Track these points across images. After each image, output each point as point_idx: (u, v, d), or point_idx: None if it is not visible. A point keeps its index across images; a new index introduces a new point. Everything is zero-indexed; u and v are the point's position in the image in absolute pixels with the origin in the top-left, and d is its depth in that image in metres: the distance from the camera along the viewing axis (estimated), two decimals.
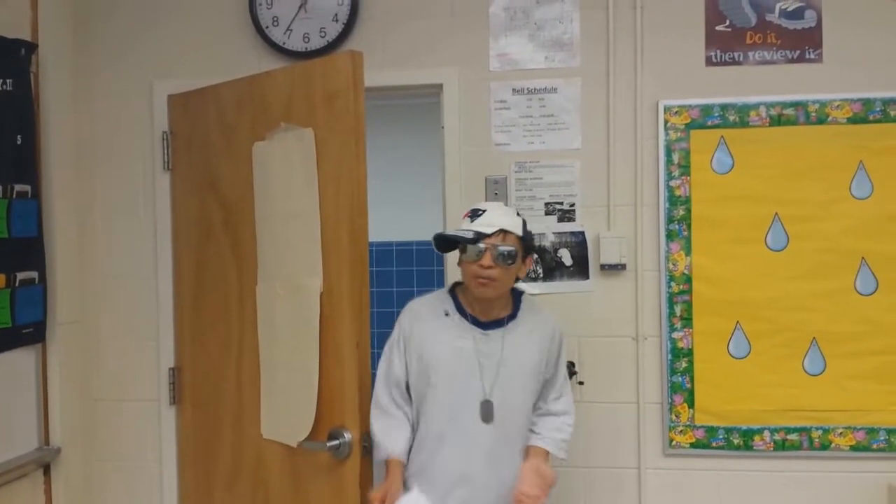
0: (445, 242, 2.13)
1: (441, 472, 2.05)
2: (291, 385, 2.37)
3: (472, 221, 2.06)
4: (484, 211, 2.08)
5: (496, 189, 2.68)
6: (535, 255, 2.58)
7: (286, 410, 2.39)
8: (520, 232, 2.07)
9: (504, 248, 2.01)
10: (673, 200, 2.61)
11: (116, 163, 2.84)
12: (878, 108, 2.53)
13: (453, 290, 2.19)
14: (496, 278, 2.02)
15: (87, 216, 2.79)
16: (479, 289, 2.05)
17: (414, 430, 2.12)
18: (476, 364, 2.06)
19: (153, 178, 2.81)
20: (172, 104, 2.77)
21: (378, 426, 2.12)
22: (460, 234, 2.05)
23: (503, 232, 2.03)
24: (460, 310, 2.13)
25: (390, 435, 2.09)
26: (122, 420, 2.83)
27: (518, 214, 2.13)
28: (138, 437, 2.83)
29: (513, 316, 2.14)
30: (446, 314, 2.13)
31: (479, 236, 2.02)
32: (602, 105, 2.66)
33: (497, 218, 2.06)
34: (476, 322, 2.11)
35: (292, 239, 2.38)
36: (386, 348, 2.18)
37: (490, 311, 2.11)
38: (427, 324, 2.13)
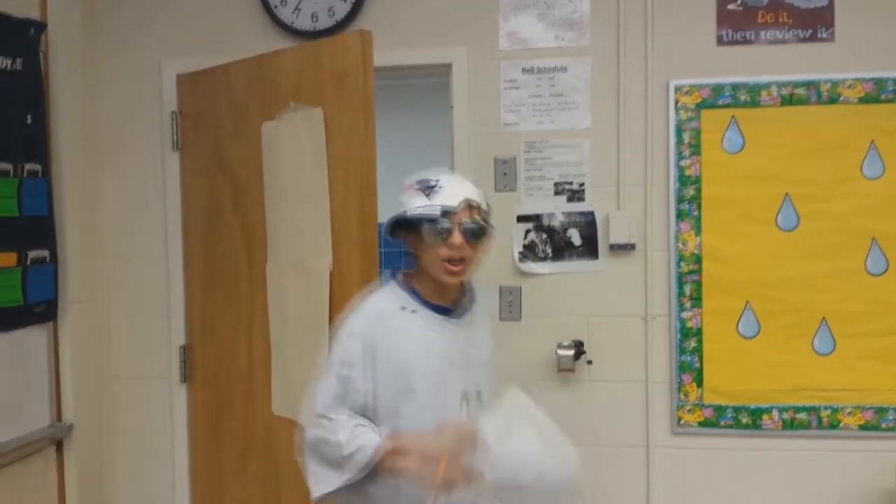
0: (401, 226, 1.80)
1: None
2: (302, 363, 2.37)
3: (428, 196, 1.75)
4: (437, 181, 1.77)
5: (505, 169, 2.68)
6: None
7: (297, 388, 2.40)
8: (484, 203, 1.81)
9: (474, 223, 1.74)
10: (683, 180, 2.60)
11: (126, 142, 2.84)
12: (889, 88, 2.52)
13: (403, 282, 1.86)
14: (467, 258, 1.75)
15: (97, 195, 2.81)
16: (447, 276, 1.75)
17: None
18: (453, 357, 1.79)
19: (162, 158, 2.82)
20: (181, 84, 2.77)
21: (343, 435, 1.68)
22: (425, 212, 1.73)
23: (469, 204, 1.75)
24: (422, 302, 1.81)
25: (359, 431, 1.69)
26: (133, 397, 2.86)
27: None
28: (150, 415, 2.85)
29: (471, 299, 1.89)
30: (411, 310, 1.80)
31: (446, 212, 1.72)
32: (612, 84, 2.65)
33: (459, 188, 1.77)
34: (442, 311, 1.82)
35: (302, 220, 2.38)
36: (332, 368, 1.76)
37: (449, 296, 1.83)
38: (391, 324, 1.78)
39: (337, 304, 2.24)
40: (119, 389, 2.86)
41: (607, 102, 2.65)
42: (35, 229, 2.46)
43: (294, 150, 2.39)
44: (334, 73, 2.28)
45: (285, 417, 2.44)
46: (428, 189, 1.76)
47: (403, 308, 1.79)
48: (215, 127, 2.67)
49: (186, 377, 2.82)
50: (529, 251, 2.68)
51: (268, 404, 2.53)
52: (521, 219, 2.69)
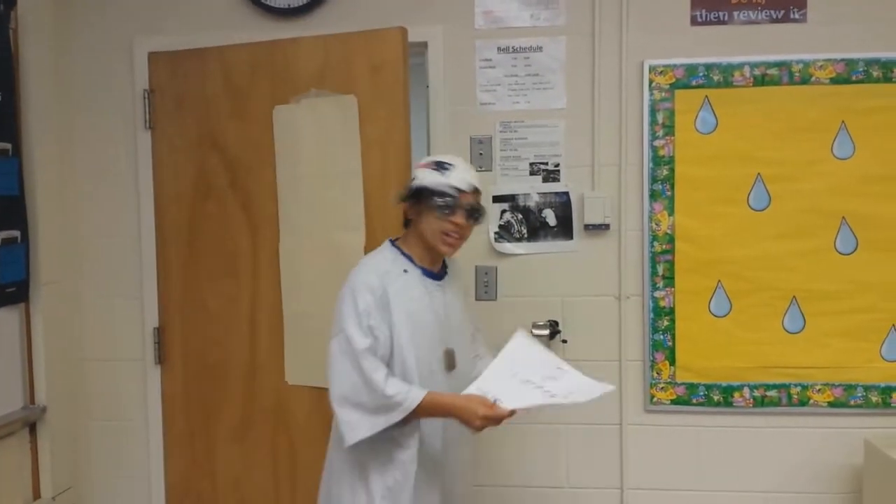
0: (410, 195, 2.02)
1: (428, 429, 1.99)
2: (326, 334, 2.40)
3: (442, 175, 1.98)
4: (452, 165, 2.01)
5: (481, 149, 2.69)
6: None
7: (317, 356, 2.40)
8: (481, 189, 2.08)
9: (476, 206, 2.01)
10: (657, 160, 2.62)
11: (98, 121, 2.80)
12: (860, 69, 2.54)
13: (398, 247, 2.08)
14: (465, 236, 2.03)
15: (68, 175, 2.77)
16: (446, 248, 2.01)
17: None
18: (435, 315, 2.02)
19: (135, 137, 2.78)
20: (154, 62, 2.74)
21: (392, 385, 1.89)
22: (442, 188, 1.97)
23: (475, 190, 2.01)
24: (414, 265, 2.05)
25: (403, 386, 1.91)
26: (107, 379, 2.84)
27: None
28: (124, 397, 2.84)
29: (447, 265, 2.15)
30: (405, 270, 2.03)
31: (456, 191, 1.97)
32: (587, 64, 2.65)
33: (470, 175, 2.02)
34: (430, 274, 2.07)
35: (329, 197, 2.56)
36: (347, 324, 1.94)
37: (437, 263, 2.09)
38: (397, 282, 2.00)
39: None
40: (92, 371, 2.84)
41: (582, 82, 2.66)
42: (6, 209, 2.42)
43: (318, 133, 2.56)
44: (371, 64, 2.50)
45: (302, 386, 2.59)
46: (443, 169, 1.99)
47: (405, 271, 2.02)
48: (205, 108, 2.69)
49: (161, 359, 2.80)
50: (505, 231, 2.69)
51: (278, 374, 2.64)
52: (497, 199, 2.70)
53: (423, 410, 1.90)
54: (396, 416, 1.88)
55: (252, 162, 2.66)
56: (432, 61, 2.69)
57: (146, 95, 2.74)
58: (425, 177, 2.00)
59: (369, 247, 2.44)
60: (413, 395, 1.88)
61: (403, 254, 2.06)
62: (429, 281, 2.06)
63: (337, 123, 2.53)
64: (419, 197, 2.00)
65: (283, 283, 2.64)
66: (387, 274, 1.99)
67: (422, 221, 2.01)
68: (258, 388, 2.70)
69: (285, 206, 2.62)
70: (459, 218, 1.98)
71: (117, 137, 2.80)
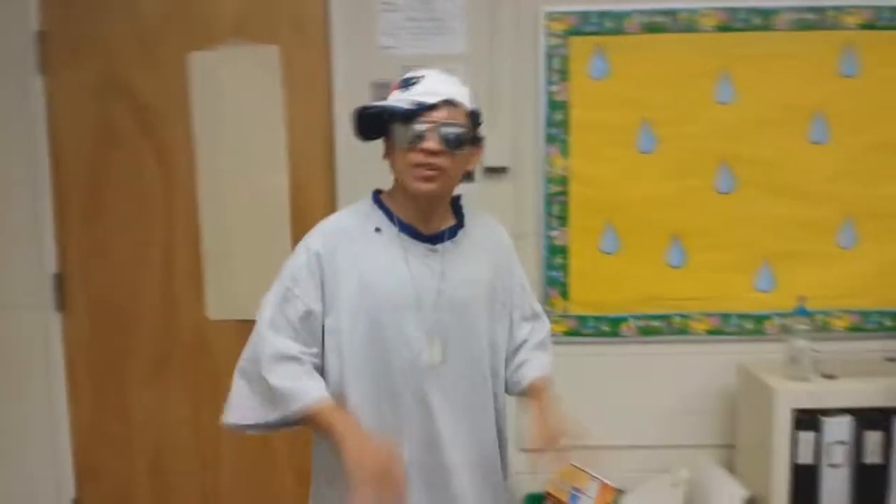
0: (370, 122, 1.55)
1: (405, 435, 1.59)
2: (253, 269, 2.67)
3: (405, 90, 1.53)
4: (421, 77, 1.54)
5: (382, 94, 2.72)
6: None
7: (243, 291, 2.73)
8: (469, 104, 1.57)
9: (452, 127, 1.51)
10: (553, 105, 2.72)
11: None
12: (742, 17, 2.67)
13: (378, 200, 1.67)
14: (443, 168, 1.52)
15: None
16: (419, 183, 1.53)
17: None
18: (423, 288, 1.58)
19: (25, 81, 2.71)
20: (48, 4, 2.67)
21: (281, 373, 1.53)
22: (393, 104, 1.51)
23: (450, 105, 1.51)
24: (394, 222, 1.61)
25: (302, 379, 1.54)
26: (4, 327, 2.83)
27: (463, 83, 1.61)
28: (24, 343, 2.83)
29: (460, 224, 1.67)
30: (377, 230, 1.60)
31: (420, 109, 1.49)
32: (485, 10, 2.71)
33: (440, 85, 1.53)
34: (417, 235, 1.61)
35: (251, 142, 2.70)
36: (277, 284, 1.61)
37: (432, 220, 1.62)
38: (356, 244, 1.59)
39: (298, 213, 2.73)
40: None
41: (481, 28, 2.71)
42: None
43: (239, 82, 2.69)
44: (292, 16, 2.66)
45: (225, 320, 2.76)
46: (408, 84, 1.53)
47: (377, 229, 1.60)
48: (108, 53, 2.70)
49: (62, 305, 2.82)
50: None
51: (198, 311, 2.78)
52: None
53: (312, 421, 1.53)
54: (281, 413, 1.54)
55: (165, 109, 2.71)
56: (334, 3, 2.71)
57: (40, 38, 2.68)
58: (388, 99, 1.56)
59: (294, 187, 2.70)
60: (303, 397, 1.50)
61: (383, 208, 1.63)
62: (413, 243, 1.60)
63: (258, 72, 2.65)
64: (384, 129, 1.56)
65: (203, 225, 2.74)
66: (342, 232, 1.60)
67: (394, 159, 1.57)
68: (175, 327, 2.80)
69: (204, 152, 2.71)
70: (431, 142, 1.49)
71: (5, 82, 2.72)
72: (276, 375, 1.53)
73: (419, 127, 1.49)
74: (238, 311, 2.75)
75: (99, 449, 2.85)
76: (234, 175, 2.74)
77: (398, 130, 1.52)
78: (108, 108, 2.73)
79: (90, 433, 2.85)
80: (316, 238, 1.61)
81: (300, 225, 2.73)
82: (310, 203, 2.76)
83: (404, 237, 1.60)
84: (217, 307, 2.80)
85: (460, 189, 1.73)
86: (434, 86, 1.52)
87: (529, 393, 1.74)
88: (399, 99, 1.52)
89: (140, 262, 2.79)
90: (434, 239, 1.62)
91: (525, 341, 1.82)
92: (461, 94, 1.55)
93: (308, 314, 1.57)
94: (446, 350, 1.60)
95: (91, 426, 2.85)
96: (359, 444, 1.44)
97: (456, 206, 1.71)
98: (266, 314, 1.59)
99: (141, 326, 2.80)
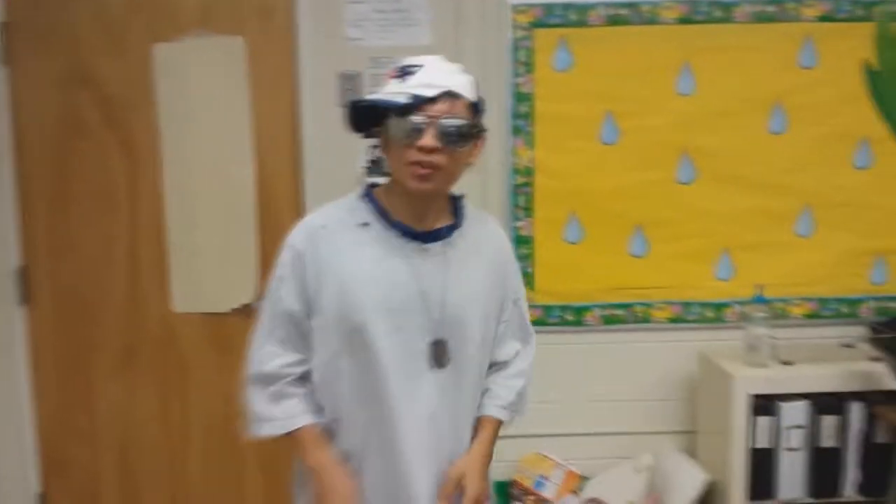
0: (364, 115, 1.46)
1: (396, 446, 1.50)
2: (221, 261, 2.74)
3: (402, 81, 1.42)
4: (420, 66, 1.43)
5: (349, 85, 2.74)
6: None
7: (209, 282, 2.76)
8: (472, 96, 1.47)
9: (453, 122, 1.40)
10: (518, 97, 2.75)
11: None
12: (703, 10, 2.72)
13: (369, 194, 1.57)
14: (441, 166, 1.43)
15: None
16: (415, 182, 1.43)
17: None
18: (416, 290, 1.48)
19: None
20: None
21: (257, 396, 1.54)
22: (388, 98, 1.40)
23: (450, 97, 1.41)
24: (385, 218, 1.51)
25: (279, 404, 1.52)
26: None
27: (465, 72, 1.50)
28: None
29: (456, 224, 1.58)
30: (365, 224, 1.51)
31: (417, 102, 1.39)
32: (451, 2, 2.72)
33: (440, 76, 1.42)
34: (409, 233, 1.51)
35: (217, 134, 2.70)
36: (270, 282, 1.56)
37: (426, 217, 1.52)
38: (340, 240, 1.49)
39: (265, 206, 2.75)
40: None
41: (447, 20, 2.73)
42: None
43: (204, 73, 2.69)
44: (259, 7, 2.68)
45: (191, 313, 2.78)
46: (405, 73, 1.42)
47: (365, 224, 1.51)
48: (73, 44, 2.68)
49: (26, 298, 2.80)
50: (375, 166, 2.79)
51: (164, 304, 2.78)
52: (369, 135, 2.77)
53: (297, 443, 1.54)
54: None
55: (130, 100, 2.71)
56: None
57: (2, 28, 2.65)
58: (383, 89, 1.45)
59: (260, 180, 2.72)
60: (271, 427, 1.52)
61: (373, 202, 1.53)
62: (402, 241, 1.49)
63: (223, 63, 2.66)
64: (379, 121, 1.46)
65: (168, 217, 2.73)
66: (323, 228, 1.50)
67: (390, 154, 1.48)
68: (141, 320, 2.80)
69: (170, 143, 2.71)
70: (429, 139, 1.39)
71: None
72: (253, 397, 1.55)
73: (416, 121, 1.39)
74: (203, 304, 2.78)
75: (65, 443, 2.84)
76: (200, 167, 2.73)
77: (394, 124, 1.41)
78: (72, 99, 2.71)
79: (56, 427, 2.84)
80: (299, 235, 1.53)
81: (266, 218, 2.77)
82: (276, 196, 2.77)
83: (393, 234, 1.50)
84: (183, 300, 2.79)
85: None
86: (433, 76, 1.41)
87: (477, 426, 1.63)
88: (395, 91, 1.41)
89: (105, 254, 2.77)
90: (427, 237, 1.52)
91: (506, 364, 1.70)
92: (462, 84, 1.45)
93: (293, 315, 1.51)
94: (447, 356, 1.51)
95: (57, 420, 2.83)
96: (328, 481, 1.50)
97: (456, 205, 1.64)
98: (263, 315, 1.56)
99: (106, 319, 2.80)
